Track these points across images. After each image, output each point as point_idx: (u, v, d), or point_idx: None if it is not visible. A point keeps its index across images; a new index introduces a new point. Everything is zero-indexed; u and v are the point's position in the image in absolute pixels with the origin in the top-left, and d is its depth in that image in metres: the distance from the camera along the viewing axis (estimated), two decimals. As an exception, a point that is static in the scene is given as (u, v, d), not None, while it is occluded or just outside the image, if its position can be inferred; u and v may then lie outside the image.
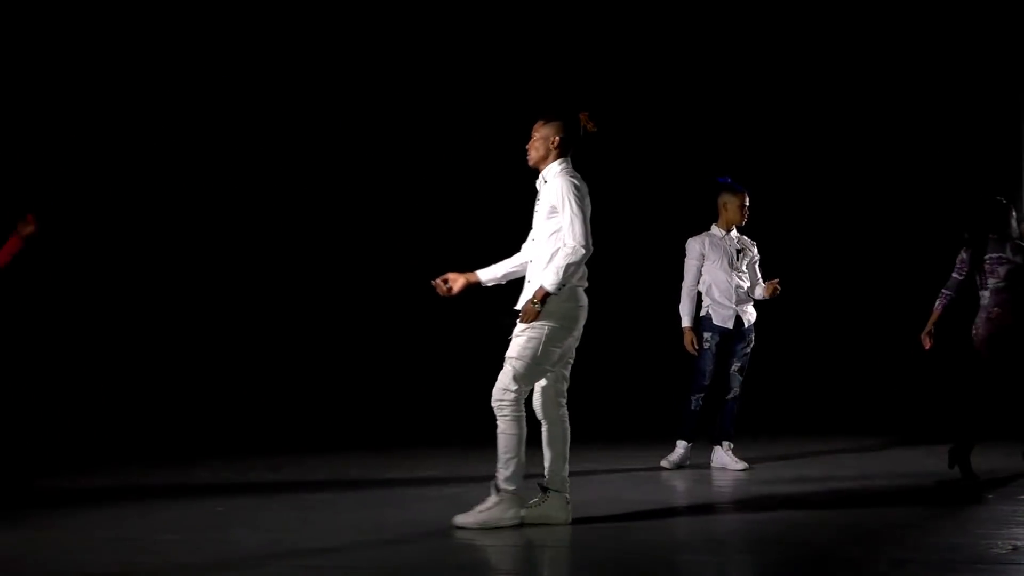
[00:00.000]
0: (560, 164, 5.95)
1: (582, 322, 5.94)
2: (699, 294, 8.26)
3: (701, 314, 8.22)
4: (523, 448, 5.84)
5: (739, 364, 8.19)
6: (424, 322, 11.98)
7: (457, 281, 6.06)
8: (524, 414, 5.86)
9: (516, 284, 6.07)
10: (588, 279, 5.95)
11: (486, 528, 5.76)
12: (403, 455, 8.67)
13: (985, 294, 7.68)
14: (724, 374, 8.18)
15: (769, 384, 10.29)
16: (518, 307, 5.96)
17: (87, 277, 11.18)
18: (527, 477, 5.89)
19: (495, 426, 5.84)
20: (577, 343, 5.99)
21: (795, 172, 12.38)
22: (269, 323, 11.85)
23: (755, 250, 8.35)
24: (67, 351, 11.02)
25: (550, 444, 5.97)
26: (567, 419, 5.99)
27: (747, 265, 8.27)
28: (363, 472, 7.99)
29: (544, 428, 6.00)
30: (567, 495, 5.96)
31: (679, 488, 7.55)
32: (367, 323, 12.08)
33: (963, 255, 7.77)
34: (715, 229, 8.27)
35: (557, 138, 5.95)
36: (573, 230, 5.75)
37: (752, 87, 12.47)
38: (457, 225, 12.11)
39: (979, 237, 7.72)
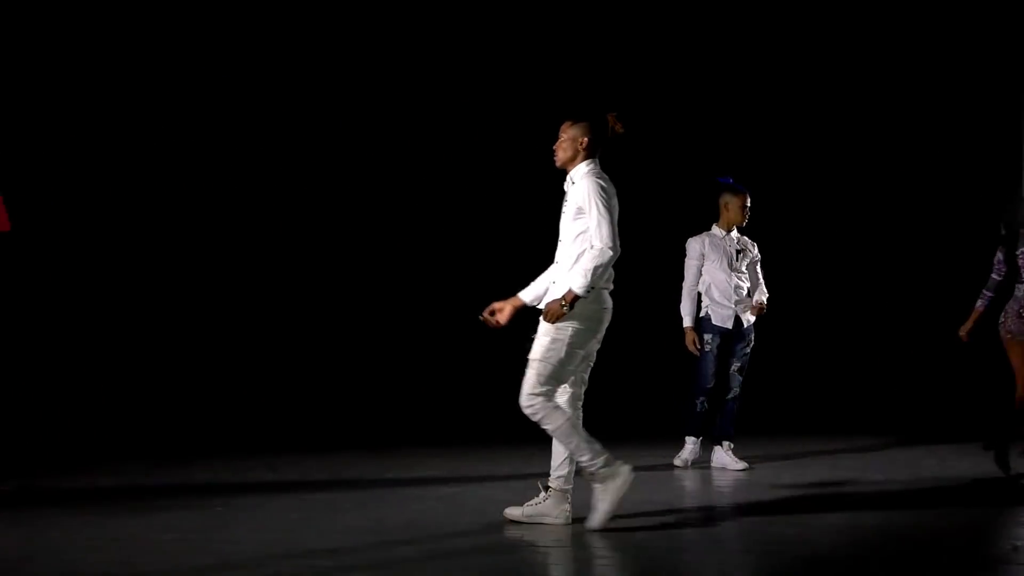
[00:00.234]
0: (588, 165, 5.92)
1: (605, 324, 5.91)
2: (700, 294, 8.26)
3: (701, 315, 8.22)
4: (577, 426, 5.80)
5: (739, 364, 8.19)
6: (424, 322, 11.98)
7: (504, 311, 5.95)
8: (558, 403, 5.82)
9: (522, 288, 6.04)
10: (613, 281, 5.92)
11: (613, 510, 5.75)
12: (403, 455, 8.67)
13: (1021, 287, 7.71)
14: (724, 374, 8.19)
15: (769, 384, 10.29)
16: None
17: (87, 277, 11.18)
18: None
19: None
20: (599, 346, 5.97)
21: (795, 172, 12.38)
22: (269, 323, 11.85)
23: (756, 250, 8.34)
24: (67, 351, 11.03)
25: (558, 444, 5.98)
26: (579, 420, 5.97)
27: (747, 266, 8.27)
28: (363, 472, 7.98)
29: None
30: (569, 496, 5.97)
31: (679, 488, 7.55)
32: (367, 323, 12.08)
33: (999, 255, 7.82)
34: (715, 229, 8.27)
35: (585, 139, 5.93)
36: (600, 232, 5.72)
37: (753, 87, 12.47)
38: (482, 227, 12.12)
39: (1012, 233, 7.77)
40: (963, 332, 7.91)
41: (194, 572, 4.95)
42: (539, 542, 5.62)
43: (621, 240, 5.79)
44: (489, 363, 9.06)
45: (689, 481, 7.77)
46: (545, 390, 5.78)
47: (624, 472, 5.78)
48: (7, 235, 7.10)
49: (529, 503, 6.02)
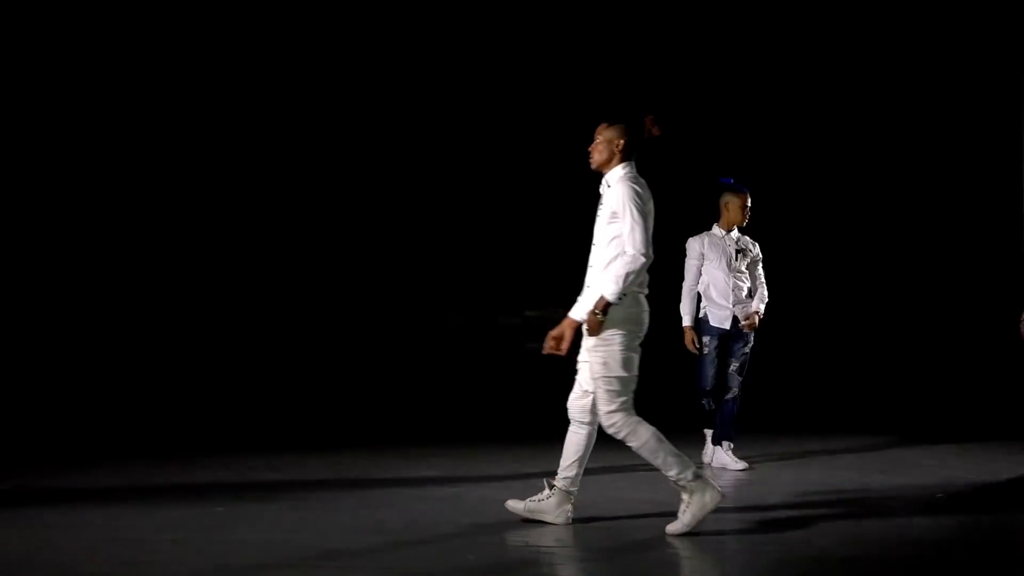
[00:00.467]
0: (624, 168, 5.88)
1: (646, 325, 5.87)
2: (699, 294, 8.26)
3: (699, 315, 8.22)
4: (663, 440, 5.76)
5: (737, 364, 8.18)
6: (424, 322, 11.98)
7: (564, 338, 5.79)
8: (639, 418, 5.78)
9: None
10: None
11: (695, 524, 5.70)
12: (403, 455, 8.66)
13: None
14: (723, 374, 8.18)
15: (769, 384, 10.28)
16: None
17: (88, 276, 11.18)
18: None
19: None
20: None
21: (795, 172, 12.38)
22: (269, 323, 11.85)
23: (756, 249, 8.32)
24: (68, 350, 11.03)
25: (571, 445, 5.97)
26: (596, 429, 5.95)
27: (748, 265, 8.26)
28: (363, 472, 7.98)
29: (572, 428, 5.98)
30: (572, 498, 5.96)
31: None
32: (367, 323, 12.08)
33: None
34: (716, 229, 8.26)
35: (621, 141, 5.88)
36: (633, 237, 5.69)
37: (754, 87, 12.47)
38: (482, 227, 12.11)
39: None
40: None
41: (194, 572, 4.96)
42: (539, 542, 5.62)
43: (654, 246, 5.74)
44: (489, 363, 9.08)
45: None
46: (619, 403, 5.75)
47: (712, 491, 5.74)
48: None
49: (532, 498, 6.02)
